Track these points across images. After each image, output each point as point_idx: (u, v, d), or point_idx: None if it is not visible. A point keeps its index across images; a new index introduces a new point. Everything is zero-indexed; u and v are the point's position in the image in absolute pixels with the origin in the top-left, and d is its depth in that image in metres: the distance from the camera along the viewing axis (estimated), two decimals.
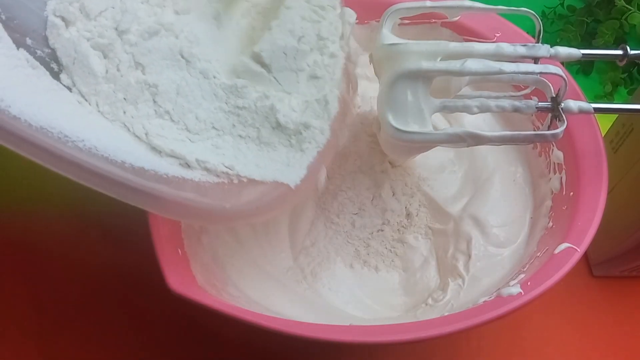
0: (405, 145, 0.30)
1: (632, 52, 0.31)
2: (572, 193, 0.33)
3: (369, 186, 0.37)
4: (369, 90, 0.40)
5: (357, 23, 0.33)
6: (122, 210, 0.42)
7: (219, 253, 0.35)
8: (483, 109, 0.30)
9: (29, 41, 0.26)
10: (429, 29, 0.40)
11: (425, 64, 0.29)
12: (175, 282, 0.28)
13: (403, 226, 0.37)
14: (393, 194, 0.37)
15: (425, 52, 0.29)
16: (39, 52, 0.26)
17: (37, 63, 0.25)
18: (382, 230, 0.37)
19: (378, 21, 0.32)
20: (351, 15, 0.33)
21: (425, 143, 0.30)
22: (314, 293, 0.35)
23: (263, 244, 0.36)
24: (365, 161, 0.38)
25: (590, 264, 0.41)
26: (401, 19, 0.35)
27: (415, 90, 0.29)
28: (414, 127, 0.29)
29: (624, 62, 0.32)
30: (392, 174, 0.37)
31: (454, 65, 0.28)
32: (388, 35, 0.31)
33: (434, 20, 0.39)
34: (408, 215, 0.37)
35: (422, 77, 0.29)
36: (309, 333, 0.27)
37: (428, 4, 0.33)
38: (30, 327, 0.38)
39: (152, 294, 0.37)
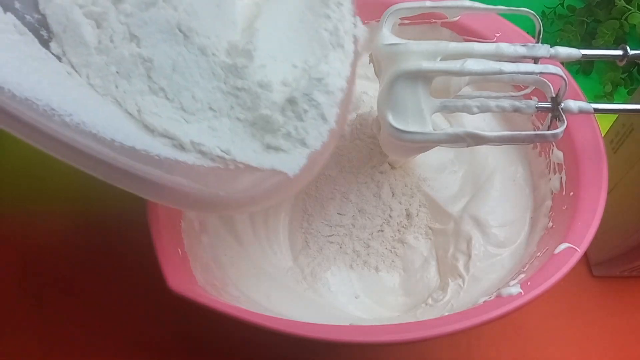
0: (405, 145, 0.30)
1: (632, 52, 0.31)
2: (572, 193, 0.33)
3: (369, 187, 0.37)
4: (369, 90, 0.41)
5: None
6: (122, 210, 0.42)
7: (219, 253, 0.35)
8: (483, 109, 0.30)
9: (17, 4, 0.24)
10: (429, 29, 0.40)
11: (425, 64, 0.29)
12: (175, 282, 0.28)
13: (403, 226, 0.37)
14: (393, 194, 0.37)
15: (425, 52, 0.29)
16: (27, 17, 0.24)
17: (26, 29, 0.24)
18: (382, 231, 0.37)
19: (378, 21, 0.32)
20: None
21: (425, 143, 0.30)
22: (314, 293, 0.35)
23: (263, 244, 0.37)
24: (365, 162, 0.38)
25: (590, 264, 0.41)
26: (401, 19, 0.35)
27: (415, 90, 0.29)
28: (414, 127, 0.29)
29: (624, 62, 0.32)
30: (392, 174, 0.37)
31: (454, 65, 0.28)
32: (388, 35, 0.31)
33: (434, 20, 0.39)
34: (408, 215, 0.37)
35: (422, 77, 0.29)
36: (309, 333, 0.27)
37: (428, 4, 0.33)
38: (30, 326, 0.38)
39: (152, 294, 0.37)
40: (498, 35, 0.38)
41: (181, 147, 0.25)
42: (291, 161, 0.26)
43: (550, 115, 0.30)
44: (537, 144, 0.38)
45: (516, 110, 0.30)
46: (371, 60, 0.33)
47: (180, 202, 0.25)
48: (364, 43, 0.31)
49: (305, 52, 0.29)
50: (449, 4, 0.33)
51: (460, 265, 0.35)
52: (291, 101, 0.27)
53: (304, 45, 0.29)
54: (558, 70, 0.29)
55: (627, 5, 0.47)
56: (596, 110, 0.30)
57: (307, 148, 0.27)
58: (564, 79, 0.29)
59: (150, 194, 0.25)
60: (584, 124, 0.34)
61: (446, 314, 0.31)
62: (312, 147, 0.27)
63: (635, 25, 0.47)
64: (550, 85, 0.30)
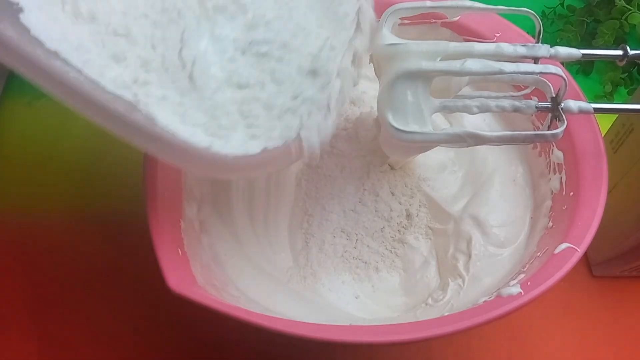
0: (405, 145, 0.30)
1: (632, 52, 0.31)
2: (572, 193, 0.33)
3: (369, 187, 0.37)
4: (369, 90, 0.41)
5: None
6: (122, 210, 0.42)
7: (219, 253, 0.35)
8: (483, 109, 0.30)
9: None
10: (429, 29, 0.40)
11: (425, 64, 0.29)
12: (175, 282, 0.28)
13: (403, 226, 0.37)
14: (393, 195, 0.37)
15: (425, 52, 0.29)
16: None
17: None
18: (382, 231, 0.37)
19: (378, 21, 0.32)
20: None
21: (425, 143, 0.30)
22: (314, 293, 0.35)
23: (263, 244, 0.37)
24: (365, 162, 0.38)
25: (590, 264, 0.41)
26: (401, 19, 0.35)
27: (415, 90, 0.29)
28: (413, 127, 0.29)
29: (624, 62, 0.32)
30: (392, 175, 0.37)
31: (454, 65, 0.28)
32: (388, 35, 0.31)
33: (434, 20, 0.39)
34: (408, 215, 0.37)
35: (422, 77, 0.29)
36: (309, 333, 0.27)
37: (428, 4, 0.33)
38: (29, 326, 0.38)
39: (152, 294, 0.37)
40: (498, 35, 0.38)
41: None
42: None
43: (550, 115, 0.30)
44: (537, 144, 0.38)
45: (516, 110, 0.30)
46: (371, 60, 0.33)
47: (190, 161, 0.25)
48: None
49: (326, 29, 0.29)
50: (449, 4, 0.33)
51: (460, 265, 0.35)
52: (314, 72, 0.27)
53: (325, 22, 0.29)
54: (558, 70, 0.29)
55: (627, 5, 0.47)
56: (596, 110, 0.30)
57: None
58: (564, 79, 0.29)
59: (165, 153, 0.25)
60: (584, 124, 0.34)
61: (446, 314, 0.31)
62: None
63: (635, 25, 0.47)
64: (550, 85, 0.30)
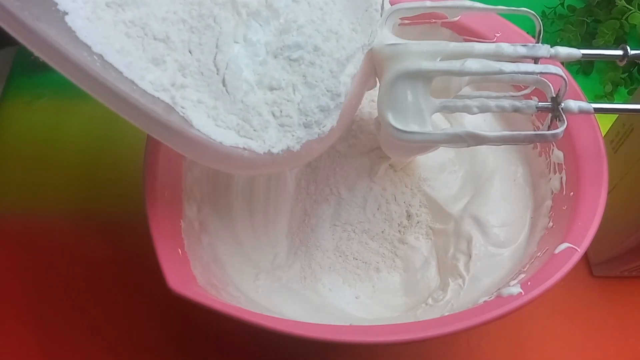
0: (405, 145, 0.30)
1: (632, 52, 0.31)
2: (572, 193, 0.33)
3: (369, 187, 0.37)
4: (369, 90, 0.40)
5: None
6: (122, 210, 0.42)
7: (219, 253, 0.35)
8: (483, 109, 0.30)
9: None
10: (429, 29, 0.40)
11: (425, 64, 0.29)
12: (175, 282, 0.28)
13: (404, 227, 0.37)
14: (393, 195, 0.37)
15: (425, 52, 0.29)
16: None
17: None
18: (382, 231, 0.37)
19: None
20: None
21: (425, 143, 0.30)
22: (314, 293, 0.35)
23: (263, 244, 0.37)
24: (365, 162, 0.38)
25: (590, 264, 0.41)
26: (401, 19, 0.35)
27: (415, 90, 0.29)
28: (413, 127, 0.29)
29: (624, 62, 0.32)
30: (393, 175, 0.37)
31: (454, 65, 0.28)
32: (388, 35, 0.31)
33: (434, 20, 0.39)
34: (409, 215, 0.37)
35: (422, 77, 0.29)
36: (309, 333, 0.27)
37: (428, 4, 0.33)
38: (29, 326, 0.38)
39: (152, 294, 0.37)
40: (498, 35, 0.38)
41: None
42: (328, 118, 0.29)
43: (550, 115, 0.30)
44: (537, 144, 0.38)
45: (516, 110, 0.30)
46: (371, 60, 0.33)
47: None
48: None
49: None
50: (449, 4, 0.33)
51: (461, 265, 0.35)
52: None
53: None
54: (558, 70, 0.29)
55: (627, 5, 0.47)
56: (596, 110, 0.30)
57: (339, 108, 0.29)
58: (564, 79, 0.29)
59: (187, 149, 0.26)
60: (584, 124, 0.34)
61: (446, 314, 0.31)
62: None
63: (635, 25, 0.47)
64: (551, 85, 0.30)
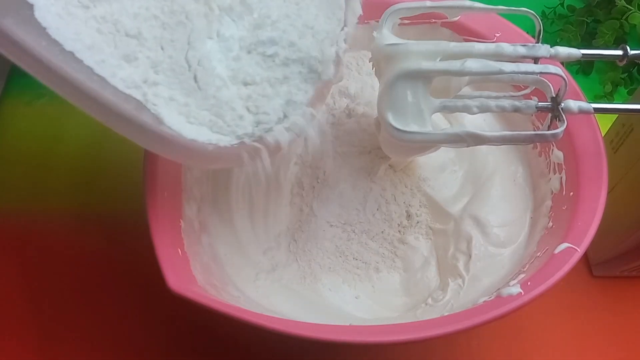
0: (405, 145, 0.30)
1: (632, 52, 0.31)
2: (572, 193, 0.33)
3: (369, 187, 0.37)
4: (366, 88, 0.40)
5: (357, 23, 0.33)
6: (122, 210, 0.42)
7: (219, 253, 0.35)
8: (483, 109, 0.30)
9: None
10: (429, 29, 0.40)
11: (425, 64, 0.29)
12: (175, 282, 0.28)
13: (404, 227, 0.37)
14: (393, 195, 0.37)
15: (425, 52, 0.29)
16: None
17: None
18: (382, 231, 0.37)
19: (378, 21, 0.32)
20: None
21: (425, 143, 0.30)
22: (314, 293, 0.35)
23: (263, 245, 0.37)
24: (365, 162, 0.38)
25: (590, 264, 0.41)
26: (401, 19, 0.35)
27: (415, 90, 0.29)
28: (413, 127, 0.29)
29: (624, 62, 0.32)
30: (393, 175, 0.37)
31: (454, 65, 0.28)
32: (388, 35, 0.31)
33: (434, 20, 0.39)
34: (408, 216, 0.37)
35: (422, 77, 0.29)
36: (309, 333, 0.27)
37: (428, 4, 0.33)
38: (29, 327, 0.38)
39: (152, 294, 0.37)
40: (498, 35, 0.38)
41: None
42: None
43: (550, 115, 0.30)
44: (537, 144, 0.38)
45: (516, 110, 0.30)
46: (371, 61, 0.33)
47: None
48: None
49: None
50: (449, 4, 0.33)
51: (461, 265, 0.35)
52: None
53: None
54: (558, 70, 0.29)
55: (627, 5, 0.47)
56: (596, 110, 0.30)
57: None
58: (564, 79, 0.29)
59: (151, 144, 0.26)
60: (584, 124, 0.34)
61: (446, 314, 0.31)
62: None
63: (635, 25, 0.47)
64: (550, 85, 0.30)
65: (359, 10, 0.31)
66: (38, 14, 0.22)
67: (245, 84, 0.27)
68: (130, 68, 0.24)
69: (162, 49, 0.26)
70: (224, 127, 0.26)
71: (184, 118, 0.26)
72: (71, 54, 0.22)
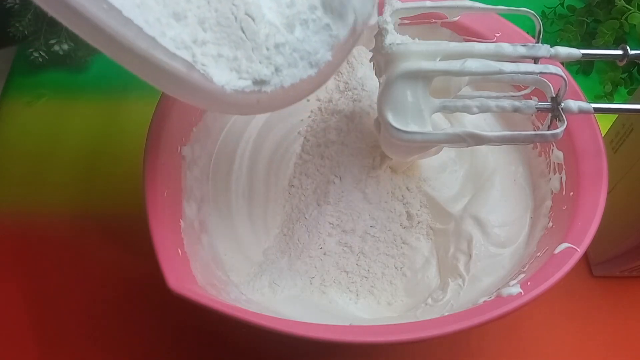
0: (405, 145, 0.30)
1: (632, 52, 0.31)
2: (572, 193, 0.33)
3: (369, 187, 0.37)
4: (367, 80, 0.40)
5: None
6: (122, 209, 0.42)
7: (219, 253, 0.35)
8: (483, 109, 0.30)
9: None
10: (429, 29, 0.40)
11: (425, 64, 0.29)
12: (175, 282, 0.28)
13: (404, 227, 0.37)
14: (393, 195, 0.37)
15: (425, 52, 0.29)
16: None
17: None
18: (383, 232, 0.37)
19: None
20: None
21: (425, 143, 0.30)
22: (314, 293, 0.35)
23: (262, 244, 0.37)
24: (365, 162, 0.38)
25: (590, 264, 0.41)
26: (401, 19, 0.35)
27: (415, 90, 0.29)
28: (413, 127, 0.29)
29: (624, 62, 0.32)
30: (393, 175, 0.37)
31: (454, 65, 0.28)
32: (390, 34, 0.31)
33: (434, 20, 0.39)
34: (409, 216, 0.37)
35: (422, 77, 0.29)
36: (309, 333, 0.27)
37: (428, 4, 0.33)
38: (28, 326, 0.38)
39: (152, 294, 0.37)
40: (498, 35, 0.38)
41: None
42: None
43: (550, 115, 0.30)
44: (537, 144, 0.38)
45: (516, 110, 0.30)
46: (371, 60, 0.33)
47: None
48: None
49: None
50: (449, 4, 0.33)
51: (461, 265, 0.35)
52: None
53: None
54: (558, 70, 0.29)
55: (627, 5, 0.47)
56: (596, 110, 0.30)
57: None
58: (564, 79, 0.29)
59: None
60: (584, 124, 0.34)
61: (446, 314, 0.31)
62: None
63: (635, 25, 0.47)
64: (550, 85, 0.30)
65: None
66: None
67: (291, 28, 0.27)
68: (180, 27, 0.24)
69: (208, 2, 0.25)
70: (269, 75, 0.26)
71: (235, 75, 0.25)
72: (119, 11, 0.21)
